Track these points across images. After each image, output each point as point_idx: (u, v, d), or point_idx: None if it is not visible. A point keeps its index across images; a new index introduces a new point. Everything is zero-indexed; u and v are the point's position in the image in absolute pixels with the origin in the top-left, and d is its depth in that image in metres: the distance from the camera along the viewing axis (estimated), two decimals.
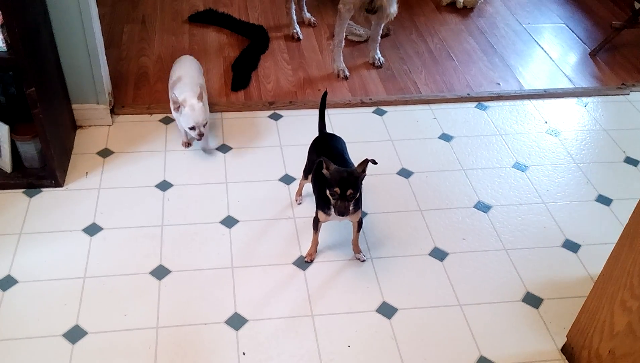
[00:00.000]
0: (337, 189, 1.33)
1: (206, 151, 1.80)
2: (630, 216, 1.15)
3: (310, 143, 1.62)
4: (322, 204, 1.44)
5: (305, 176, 1.63)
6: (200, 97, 1.70)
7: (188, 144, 1.80)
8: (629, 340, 1.15)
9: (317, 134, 1.64)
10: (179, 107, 1.69)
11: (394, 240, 1.61)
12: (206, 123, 1.73)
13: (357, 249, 1.55)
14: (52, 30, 1.73)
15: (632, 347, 1.14)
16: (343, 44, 2.26)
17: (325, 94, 1.63)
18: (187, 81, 1.78)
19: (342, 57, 2.27)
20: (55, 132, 1.68)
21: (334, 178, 1.34)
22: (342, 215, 1.37)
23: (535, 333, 1.42)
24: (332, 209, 1.41)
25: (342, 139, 1.62)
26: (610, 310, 1.20)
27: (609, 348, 1.21)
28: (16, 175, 1.71)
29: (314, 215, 1.49)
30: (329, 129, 2.02)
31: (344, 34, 2.26)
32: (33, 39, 1.55)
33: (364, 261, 1.55)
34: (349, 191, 1.33)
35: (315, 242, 1.53)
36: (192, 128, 1.71)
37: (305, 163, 1.62)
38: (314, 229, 1.52)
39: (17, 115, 1.68)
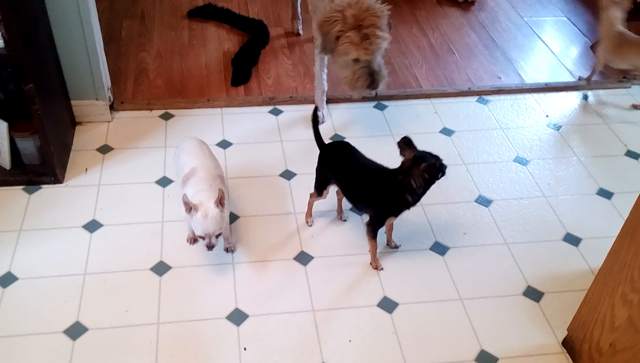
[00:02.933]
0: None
1: (229, 251, 1.53)
2: (631, 210, 1.14)
3: (320, 155, 1.53)
4: (389, 209, 1.43)
5: (319, 193, 1.54)
6: (219, 202, 1.35)
7: (194, 240, 1.53)
8: (629, 333, 1.15)
9: (310, 137, 1.54)
10: (191, 209, 1.35)
11: (394, 235, 1.61)
12: (219, 234, 1.38)
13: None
14: (50, 26, 1.72)
15: (633, 340, 1.14)
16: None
17: (315, 108, 1.55)
18: (202, 175, 1.43)
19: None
20: (54, 128, 1.68)
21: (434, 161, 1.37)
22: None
23: (536, 326, 1.42)
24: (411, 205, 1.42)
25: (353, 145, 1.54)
26: (610, 304, 1.20)
27: (609, 341, 1.21)
28: (15, 172, 1.71)
29: (369, 222, 1.46)
30: (330, 125, 2.03)
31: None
32: (31, 34, 1.54)
33: (399, 245, 1.57)
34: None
35: (374, 249, 1.50)
36: (202, 237, 1.38)
37: (315, 179, 1.54)
38: (371, 237, 1.47)
39: (16, 111, 1.67)
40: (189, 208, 1.35)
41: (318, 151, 1.55)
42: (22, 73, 1.50)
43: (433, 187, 1.38)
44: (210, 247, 1.38)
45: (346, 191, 1.53)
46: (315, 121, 1.55)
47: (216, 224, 1.35)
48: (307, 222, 1.63)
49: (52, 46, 1.75)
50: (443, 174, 1.40)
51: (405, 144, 1.40)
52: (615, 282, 1.19)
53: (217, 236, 1.38)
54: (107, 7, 2.53)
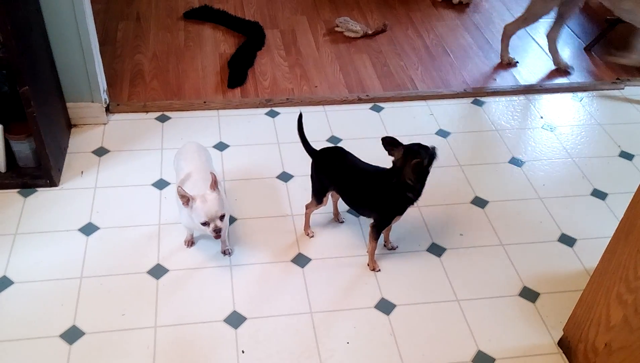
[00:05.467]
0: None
1: (226, 253, 1.52)
2: (626, 210, 1.15)
3: (314, 163, 1.51)
4: (393, 210, 1.43)
5: (319, 201, 1.51)
6: (213, 186, 1.37)
7: (191, 243, 1.54)
8: (624, 333, 1.16)
9: (308, 139, 1.52)
10: (188, 201, 1.35)
11: (392, 237, 1.61)
12: (223, 216, 1.37)
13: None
14: (45, 28, 1.71)
15: (628, 339, 1.15)
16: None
17: (300, 115, 1.52)
18: (197, 176, 1.46)
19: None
20: (49, 131, 1.67)
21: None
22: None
23: (532, 327, 1.43)
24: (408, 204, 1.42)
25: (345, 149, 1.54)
26: (606, 304, 1.21)
27: (605, 341, 1.22)
28: (10, 175, 1.70)
29: (374, 223, 1.46)
30: (326, 127, 2.03)
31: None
32: (26, 36, 1.53)
33: (396, 247, 1.58)
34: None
35: (373, 251, 1.50)
36: (205, 224, 1.35)
37: (313, 186, 1.52)
38: (374, 239, 1.47)
39: (11, 114, 1.66)
40: (186, 200, 1.35)
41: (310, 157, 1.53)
42: (17, 75, 1.49)
43: (429, 189, 1.40)
44: (217, 232, 1.35)
45: (347, 198, 1.52)
46: (301, 127, 1.51)
47: (217, 205, 1.34)
48: (308, 234, 1.61)
49: (47, 48, 1.74)
50: (434, 159, 1.39)
51: (390, 144, 1.39)
52: (610, 282, 1.20)
53: (221, 219, 1.36)
54: (102, 8, 2.52)
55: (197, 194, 1.37)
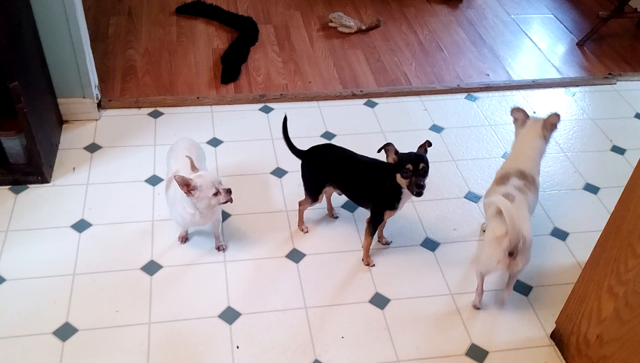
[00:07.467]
0: (409, 166, 1.31)
1: (220, 249, 1.53)
2: (616, 204, 1.16)
3: (306, 162, 1.51)
4: (388, 204, 1.42)
5: (315, 198, 1.52)
6: (194, 167, 1.40)
7: (185, 239, 1.55)
8: (615, 325, 1.17)
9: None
10: (189, 187, 1.34)
11: (386, 232, 1.62)
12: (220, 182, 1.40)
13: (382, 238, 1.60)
14: (35, 22, 1.69)
15: (619, 331, 1.16)
16: None
17: (285, 118, 1.52)
18: (184, 171, 1.44)
19: None
20: (40, 127, 1.65)
21: (403, 158, 1.34)
22: (420, 191, 1.32)
23: (525, 320, 1.44)
24: (400, 202, 1.40)
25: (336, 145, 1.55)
26: (597, 296, 1.23)
27: (596, 333, 1.23)
28: (1, 172, 1.68)
29: (370, 219, 1.46)
30: (320, 122, 2.03)
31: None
32: (15, 31, 1.51)
33: (390, 242, 1.59)
34: (422, 165, 1.33)
35: (368, 246, 1.50)
36: (217, 193, 1.36)
37: (307, 186, 1.53)
38: (369, 234, 1.48)
39: (1, 110, 1.64)
40: (186, 184, 1.34)
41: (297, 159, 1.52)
42: (6, 70, 1.47)
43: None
44: (228, 193, 1.38)
45: (346, 190, 1.52)
46: (286, 130, 1.52)
47: (212, 173, 1.43)
48: (302, 230, 1.61)
49: (37, 43, 1.72)
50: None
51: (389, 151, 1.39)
52: (601, 275, 1.21)
53: (222, 185, 1.40)
54: (93, 4, 2.49)
55: (192, 178, 1.36)
